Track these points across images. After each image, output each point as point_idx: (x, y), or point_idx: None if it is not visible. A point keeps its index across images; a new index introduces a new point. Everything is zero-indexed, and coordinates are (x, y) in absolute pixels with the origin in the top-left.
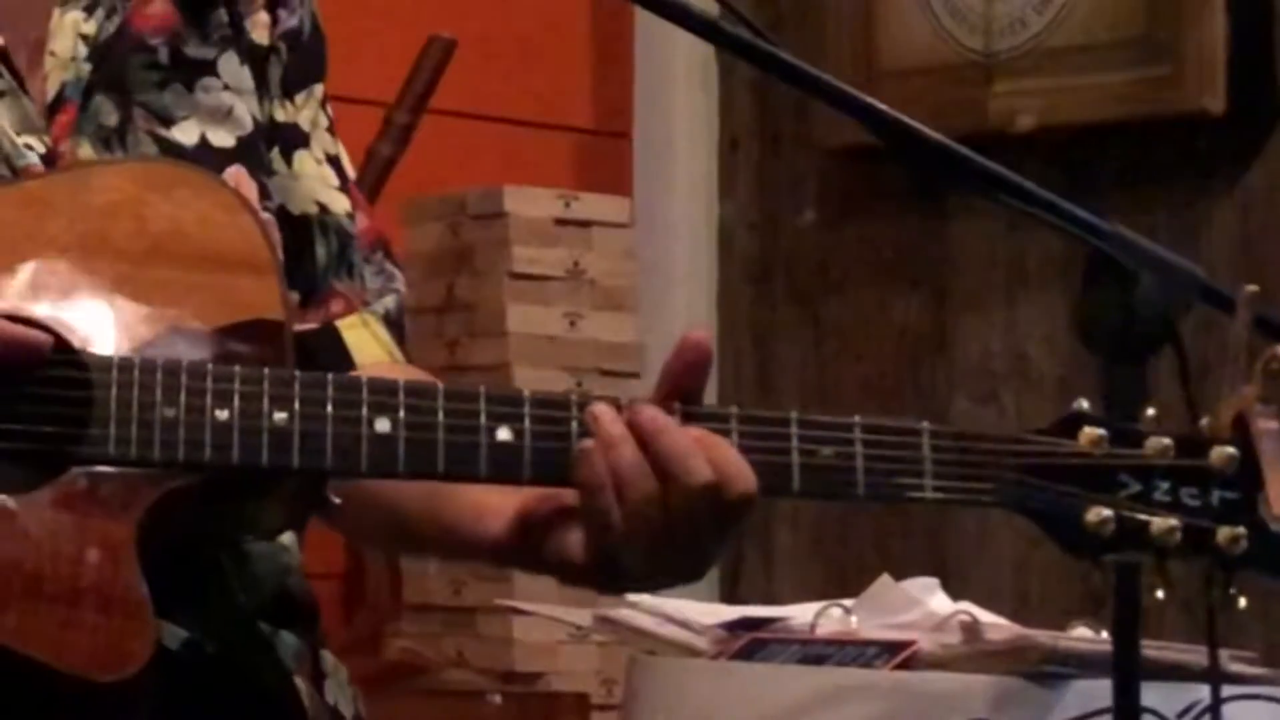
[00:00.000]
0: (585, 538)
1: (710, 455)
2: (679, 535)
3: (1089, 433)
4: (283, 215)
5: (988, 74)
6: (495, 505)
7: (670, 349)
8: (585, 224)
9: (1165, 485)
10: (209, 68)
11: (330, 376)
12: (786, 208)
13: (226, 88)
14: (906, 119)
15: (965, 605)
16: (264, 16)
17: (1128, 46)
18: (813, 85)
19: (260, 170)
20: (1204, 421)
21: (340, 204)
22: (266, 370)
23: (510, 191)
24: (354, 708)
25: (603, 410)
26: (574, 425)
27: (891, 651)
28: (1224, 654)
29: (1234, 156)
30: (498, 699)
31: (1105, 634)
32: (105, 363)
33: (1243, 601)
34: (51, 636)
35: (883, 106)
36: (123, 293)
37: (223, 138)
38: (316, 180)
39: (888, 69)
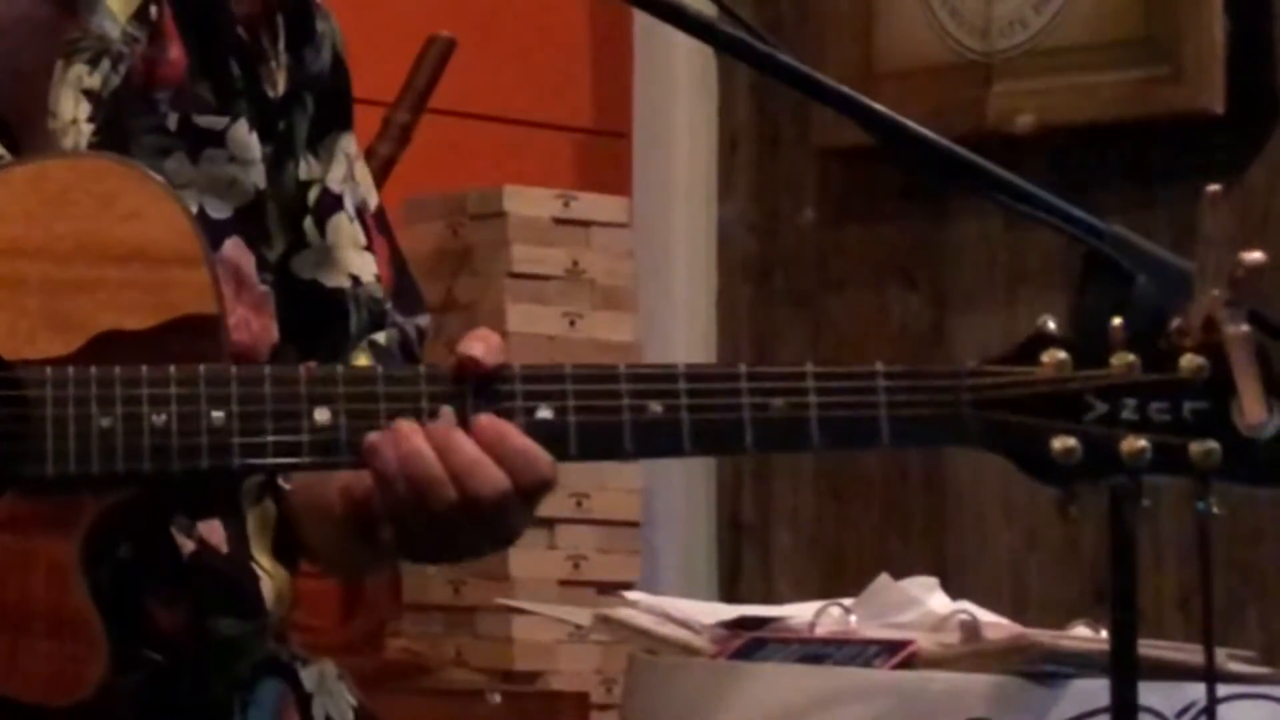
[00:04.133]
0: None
1: (499, 454)
2: (481, 527)
3: (1051, 355)
4: (315, 289)
5: (987, 74)
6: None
7: (669, 349)
8: (584, 224)
9: (1133, 403)
10: (217, 138)
11: (268, 369)
12: (785, 208)
13: (232, 159)
14: (904, 120)
15: (964, 604)
16: (284, 60)
17: (1127, 46)
18: (810, 86)
19: (259, 240)
20: (1174, 324)
21: (369, 268)
22: (202, 369)
23: (509, 191)
24: (347, 705)
25: (403, 425)
26: (519, 404)
27: (891, 651)
28: (1222, 653)
29: (1234, 156)
30: (497, 698)
31: (1104, 633)
32: (39, 376)
33: (1216, 509)
34: (2, 664)
35: (880, 107)
36: (53, 297)
37: (221, 209)
38: (350, 246)
39: (887, 69)
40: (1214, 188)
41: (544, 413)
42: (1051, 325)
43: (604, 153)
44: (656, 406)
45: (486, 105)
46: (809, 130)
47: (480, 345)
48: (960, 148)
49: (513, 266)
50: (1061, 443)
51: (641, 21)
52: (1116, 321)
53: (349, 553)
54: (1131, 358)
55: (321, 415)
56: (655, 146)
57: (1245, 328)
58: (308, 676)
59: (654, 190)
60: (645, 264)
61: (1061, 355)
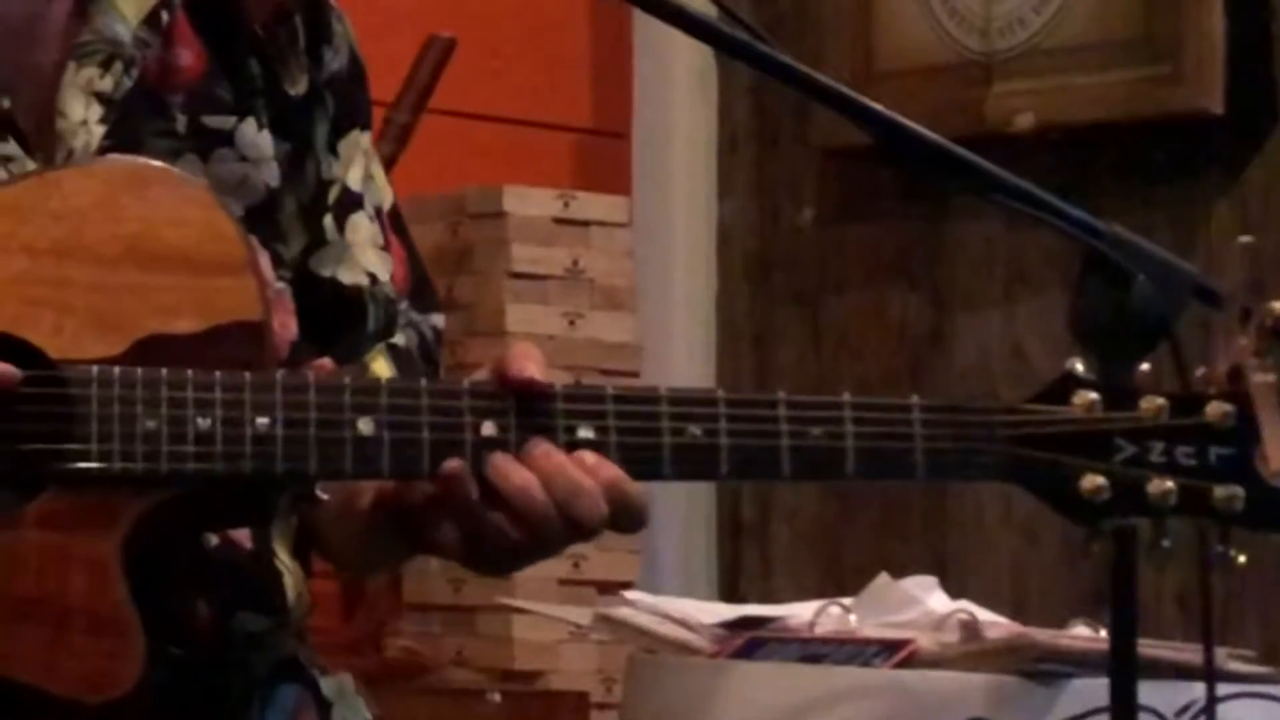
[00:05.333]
0: (460, 537)
1: (605, 487)
2: (564, 542)
3: (1081, 396)
4: (334, 286)
5: (986, 74)
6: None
7: (669, 349)
8: (584, 223)
9: (1160, 446)
10: (225, 138)
11: (312, 378)
12: (785, 207)
13: (242, 159)
14: (904, 120)
15: (964, 604)
16: (303, 62)
17: (1127, 46)
18: (810, 86)
19: (273, 238)
20: (1200, 372)
21: (386, 266)
22: (248, 375)
23: (509, 191)
24: (364, 718)
25: (501, 460)
26: (560, 423)
27: (890, 650)
28: (1222, 652)
29: (1233, 156)
30: (497, 698)
31: (1103, 632)
32: (85, 376)
33: (1242, 559)
34: (40, 659)
35: (880, 107)
36: (99, 299)
37: (233, 208)
38: (369, 245)
39: (886, 69)
40: (1245, 239)
41: (585, 432)
42: (1080, 368)
43: (604, 153)
44: (696, 430)
45: (486, 105)
46: (809, 130)
47: (534, 365)
48: (960, 148)
49: (513, 266)
50: (1091, 481)
51: (641, 21)
52: (1145, 366)
53: (369, 545)
54: (1160, 401)
55: (365, 426)
56: (655, 146)
57: (1272, 377)
58: (327, 686)
59: (654, 190)
60: (645, 264)
61: (1092, 396)
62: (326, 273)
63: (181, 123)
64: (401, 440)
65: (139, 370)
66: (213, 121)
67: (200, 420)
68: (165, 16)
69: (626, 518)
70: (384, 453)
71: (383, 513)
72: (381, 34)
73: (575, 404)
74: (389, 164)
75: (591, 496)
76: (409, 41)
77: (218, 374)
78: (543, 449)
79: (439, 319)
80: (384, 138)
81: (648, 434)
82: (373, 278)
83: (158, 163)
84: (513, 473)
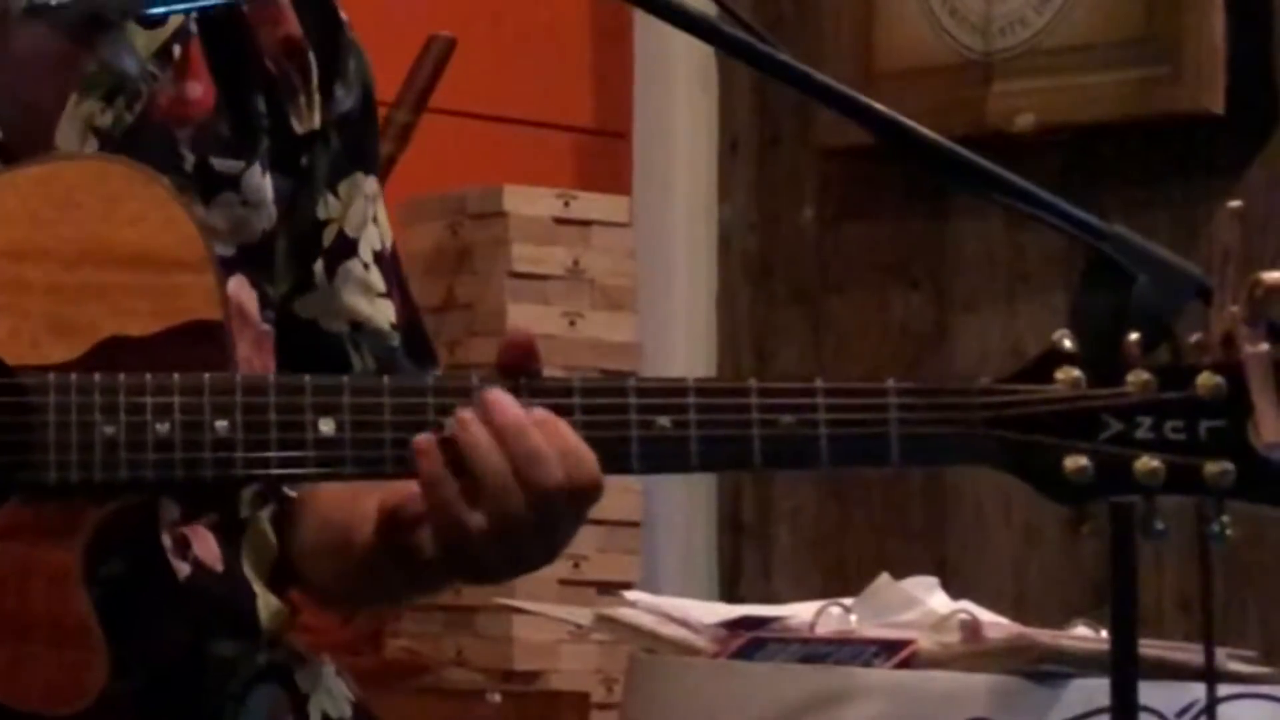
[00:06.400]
0: (433, 533)
1: (557, 447)
2: (536, 528)
3: (1066, 373)
4: (313, 331)
5: (987, 74)
6: (362, 513)
7: (669, 349)
8: (585, 223)
9: (1148, 421)
10: (231, 182)
11: (271, 378)
12: (786, 207)
13: (244, 203)
14: (905, 119)
15: (964, 604)
16: (315, 98)
17: (1127, 46)
18: (810, 86)
19: (263, 278)
20: (1194, 338)
21: (383, 314)
22: (207, 377)
23: (510, 191)
24: (345, 701)
25: (467, 416)
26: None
27: (891, 650)
28: (1223, 653)
29: (1234, 156)
30: (497, 698)
31: (1104, 632)
32: (42, 383)
33: (1228, 532)
34: (2, 673)
35: (881, 107)
36: (58, 301)
37: (226, 247)
38: (359, 292)
39: (887, 69)
40: (1235, 204)
41: None
42: (1067, 343)
43: (604, 153)
44: (664, 421)
45: (486, 105)
46: (809, 130)
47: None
48: (961, 148)
49: (513, 266)
50: (1074, 462)
51: (641, 21)
52: (1133, 337)
53: (377, 581)
54: (1147, 376)
55: (326, 426)
56: (655, 146)
57: (1264, 346)
58: (303, 677)
59: (654, 190)
60: (645, 264)
61: (1076, 373)
62: (307, 316)
63: (190, 162)
64: (363, 440)
65: (96, 376)
66: (221, 165)
67: (159, 426)
68: (178, 50)
69: (581, 478)
70: (346, 453)
71: (380, 537)
72: (381, 34)
73: (541, 397)
74: (389, 164)
75: (549, 461)
76: (409, 41)
77: (176, 377)
78: (502, 402)
79: (438, 373)
80: (384, 137)
81: (615, 427)
82: (355, 325)
83: (117, 159)
84: (469, 421)
